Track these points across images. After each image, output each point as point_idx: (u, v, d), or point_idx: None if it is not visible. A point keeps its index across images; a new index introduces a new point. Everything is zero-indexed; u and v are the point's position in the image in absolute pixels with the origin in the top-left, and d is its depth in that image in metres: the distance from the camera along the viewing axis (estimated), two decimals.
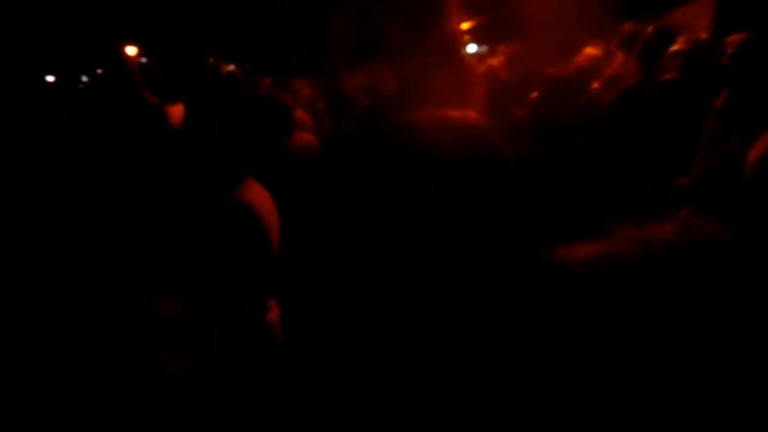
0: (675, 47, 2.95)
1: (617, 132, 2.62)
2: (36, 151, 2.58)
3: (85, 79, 4.68)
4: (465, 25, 5.12)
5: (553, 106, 2.56)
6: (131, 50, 4.44)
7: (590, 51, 3.87)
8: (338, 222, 2.16)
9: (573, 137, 2.51)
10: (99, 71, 4.74)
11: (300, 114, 3.16)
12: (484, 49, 7.04)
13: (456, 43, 3.06)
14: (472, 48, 6.60)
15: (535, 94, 3.15)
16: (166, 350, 1.73)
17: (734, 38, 2.41)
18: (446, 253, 0.98)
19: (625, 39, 3.50)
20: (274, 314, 1.92)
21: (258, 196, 1.85)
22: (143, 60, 3.79)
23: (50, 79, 4.99)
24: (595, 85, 3.16)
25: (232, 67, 3.58)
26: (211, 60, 5.32)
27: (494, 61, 4.43)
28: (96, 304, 1.78)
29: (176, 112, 3.37)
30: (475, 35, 6.36)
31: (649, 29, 3.12)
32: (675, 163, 2.42)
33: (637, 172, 2.35)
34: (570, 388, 0.95)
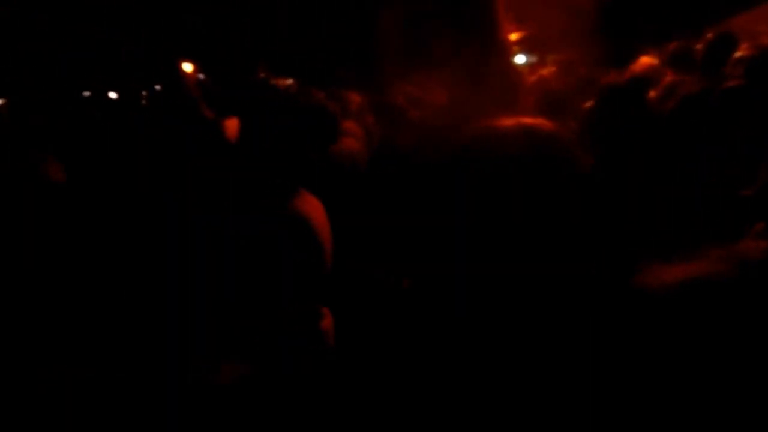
0: (738, 53, 2.85)
1: (677, 142, 2.55)
2: (101, 164, 2.68)
3: (145, 95, 4.86)
4: (514, 36, 5.09)
5: (609, 115, 2.50)
6: (188, 67, 4.59)
7: (646, 60, 3.79)
8: (394, 231, 2.17)
9: (630, 147, 2.45)
10: (158, 87, 4.92)
11: (349, 125, 3.19)
12: (534, 59, 6.98)
13: (506, 53, 3.04)
14: (521, 59, 6.56)
15: (589, 104, 3.10)
16: (223, 357, 1.77)
17: None
18: (526, 276, 0.93)
19: (675, 56, 3.42)
20: (327, 322, 1.94)
21: (311, 206, 1.88)
22: (200, 76, 3.92)
23: (113, 95, 5.18)
24: (653, 94, 3.09)
25: (290, 81, 3.65)
26: (263, 75, 5.45)
27: (546, 71, 4.38)
28: (148, 310, 1.82)
29: (232, 125, 3.45)
30: (525, 46, 6.31)
31: (710, 35, 3.03)
32: (739, 174, 2.33)
33: (702, 184, 2.27)
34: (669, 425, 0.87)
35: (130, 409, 1.66)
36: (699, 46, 3.53)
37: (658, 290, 0.87)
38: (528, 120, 1.07)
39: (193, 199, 2.10)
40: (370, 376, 2.23)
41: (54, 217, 1.89)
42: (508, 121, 1.07)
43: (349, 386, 2.09)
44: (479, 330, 1.04)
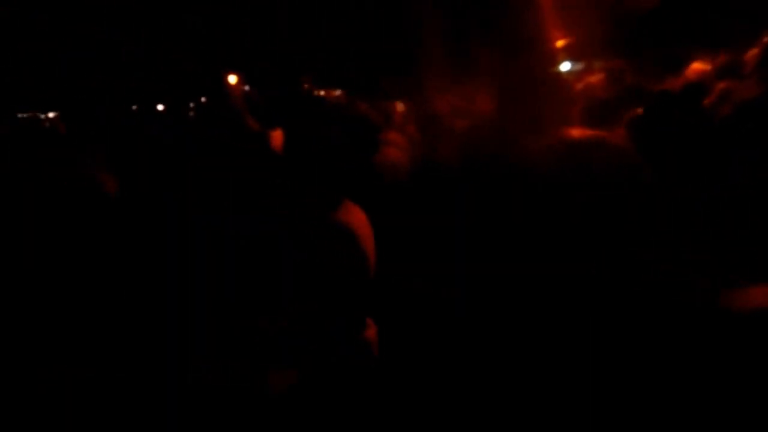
0: None
1: (732, 148, 2.45)
2: (151, 176, 2.74)
3: (191, 106, 4.98)
4: (560, 43, 5.02)
5: (662, 122, 2.43)
6: (233, 79, 4.69)
7: (698, 66, 3.68)
8: (437, 241, 2.15)
9: (684, 154, 2.37)
10: (203, 99, 5.03)
11: (393, 135, 3.19)
12: (580, 66, 6.86)
13: (553, 61, 2.98)
14: (565, 66, 6.45)
15: (638, 111, 3.03)
16: (270, 365, 1.78)
17: None
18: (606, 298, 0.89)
19: (727, 62, 3.31)
20: (371, 332, 1.93)
21: (355, 216, 1.88)
22: (246, 88, 3.99)
23: (160, 107, 5.32)
24: (707, 100, 2.99)
25: (338, 92, 3.68)
26: (306, 86, 5.51)
27: (594, 79, 4.30)
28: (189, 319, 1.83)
29: (277, 136, 3.49)
30: (571, 53, 6.22)
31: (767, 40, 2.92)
32: None
33: (759, 192, 2.17)
34: None
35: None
36: (753, 52, 3.41)
37: (745, 312, 0.82)
38: (595, 133, 1.04)
39: (237, 209, 2.12)
40: (412, 386, 2.22)
41: (108, 228, 1.93)
42: (576, 133, 1.05)
43: (392, 396, 2.08)
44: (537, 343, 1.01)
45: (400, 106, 3.88)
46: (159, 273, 2.00)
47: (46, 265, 1.88)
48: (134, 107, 5.29)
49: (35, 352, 1.71)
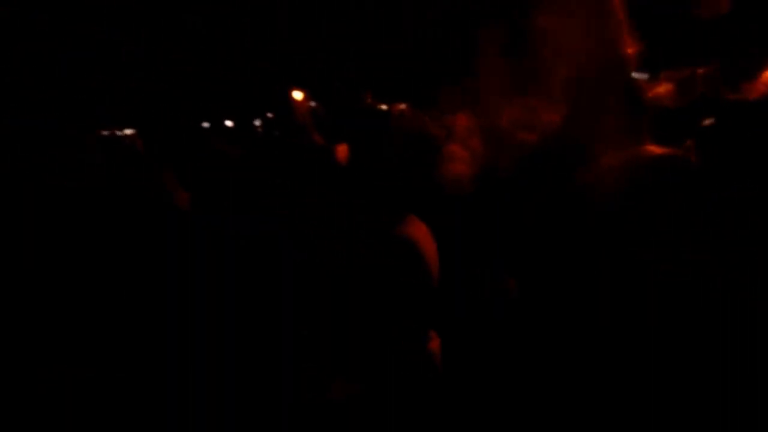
0: None
1: None
2: (220, 190, 2.84)
3: (258, 123, 5.13)
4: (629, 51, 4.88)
5: (737, 132, 2.34)
6: (298, 95, 4.80)
7: None
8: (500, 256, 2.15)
9: (760, 165, 2.28)
10: (270, 115, 5.18)
11: (455, 148, 3.19)
12: (644, 76, 6.64)
13: (628, 69, 2.89)
14: (633, 75, 6.26)
15: (708, 121, 2.92)
16: (332, 374, 1.82)
17: None
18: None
19: None
20: (434, 344, 1.95)
21: (418, 231, 1.91)
22: (312, 103, 4.08)
23: (228, 123, 5.50)
24: None
25: (403, 106, 3.72)
26: (370, 100, 5.57)
27: (662, 88, 4.17)
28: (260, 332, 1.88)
29: (341, 151, 3.56)
30: (638, 61, 6.03)
31: None
32: None
33: None
34: None
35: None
36: None
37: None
38: (671, 151, 1.03)
39: (303, 224, 2.18)
40: (474, 400, 2.21)
41: (184, 244, 2.00)
42: (655, 150, 1.04)
43: (453, 409, 2.09)
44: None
45: (462, 119, 3.88)
46: (231, 284, 2.08)
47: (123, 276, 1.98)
48: (204, 124, 5.50)
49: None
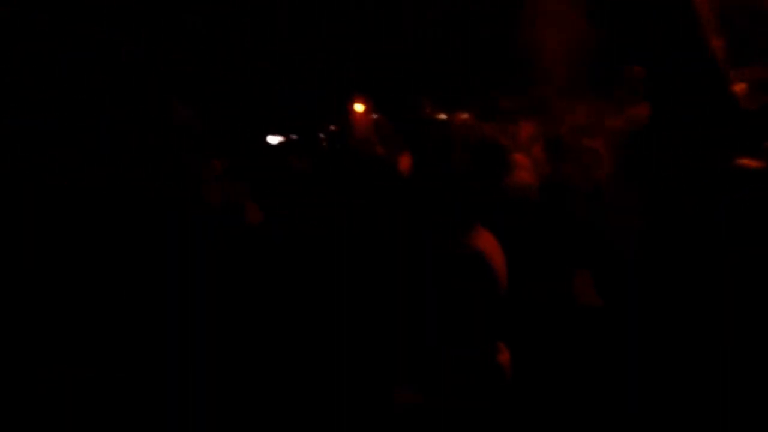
0: None
1: None
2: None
3: (322, 135, 5.23)
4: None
5: None
6: (359, 107, 4.87)
7: None
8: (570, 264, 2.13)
9: None
10: (332, 128, 5.27)
11: (519, 157, 3.18)
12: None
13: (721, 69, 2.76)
14: None
15: None
16: (397, 382, 1.84)
17: None
18: None
19: None
20: (503, 356, 1.94)
21: (486, 241, 1.91)
22: (374, 115, 4.15)
23: (294, 137, 5.62)
24: None
25: (465, 115, 3.73)
26: (428, 110, 5.59)
27: (738, 88, 4.01)
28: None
29: (404, 161, 3.59)
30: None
31: None
32: None
33: None
34: None
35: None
36: None
37: None
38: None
39: (371, 236, 2.22)
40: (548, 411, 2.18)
41: (252, 258, 2.04)
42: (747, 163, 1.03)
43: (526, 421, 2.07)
44: None
45: (525, 127, 3.84)
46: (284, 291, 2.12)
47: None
48: (270, 139, 5.63)
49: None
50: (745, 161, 1.99)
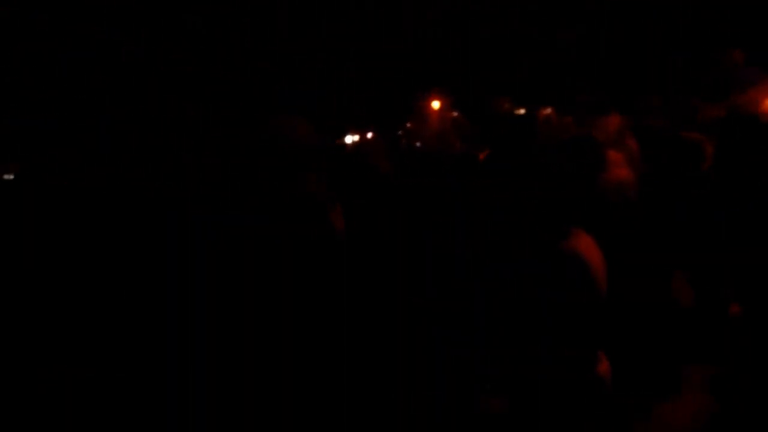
0: None
1: None
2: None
3: (400, 133, 5.19)
4: None
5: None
6: (436, 104, 4.80)
7: None
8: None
9: None
10: (408, 125, 5.22)
11: (611, 153, 3.00)
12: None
13: None
14: None
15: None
16: (482, 389, 1.76)
17: None
18: None
19: None
20: (603, 367, 1.81)
21: (585, 246, 1.79)
22: (454, 113, 4.06)
23: (369, 135, 5.62)
24: None
25: (548, 110, 3.59)
26: (507, 105, 5.45)
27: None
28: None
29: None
30: None
31: None
32: None
33: None
34: None
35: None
36: None
37: None
38: None
39: (455, 239, 2.13)
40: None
41: (336, 265, 1.99)
42: None
43: None
44: None
45: (615, 120, 3.65)
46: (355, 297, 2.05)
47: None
48: (348, 137, 5.65)
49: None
50: None
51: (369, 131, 5.35)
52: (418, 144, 4.24)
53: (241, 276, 1.53)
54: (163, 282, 1.84)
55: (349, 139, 5.57)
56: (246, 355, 1.53)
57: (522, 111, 5.27)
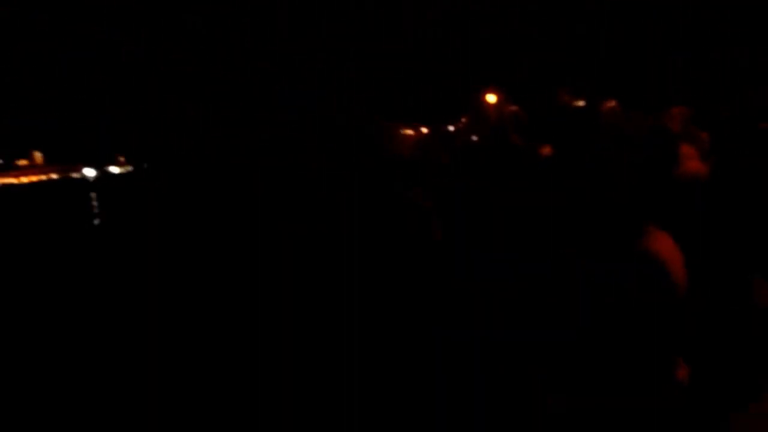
0: None
1: None
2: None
3: (451, 128, 5.10)
4: None
5: None
6: (492, 98, 4.69)
7: None
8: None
9: None
10: (464, 120, 5.13)
11: (682, 145, 2.86)
12: None
13: None
14: None
15: None
16: (549, 389, 1.70)
17: None
18: None
19: None
20: (682, 372, 1.72)
21: (663, 245, 1.69)
22: (513, 108, 3.94)
23: (424, 129, 5.55)
24: None
25: (612, 103, 3.44)
26: (566, 98, 5.28)
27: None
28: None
29: (545, 152, 3.39)
30: None
31: None
32: None
33: None
34: None
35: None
36: None
37: None
38: None
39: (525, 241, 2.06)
40: None
41: (427, 274, 1.96)
42: None
43: None
44: None
45: (681, 110, 3.48)
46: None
47: None
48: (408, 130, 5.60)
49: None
50: None
51: (422, 127, 5.29)
52: (474, 139, 4.13)
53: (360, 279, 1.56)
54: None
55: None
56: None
57: (582, 103, 5.10)
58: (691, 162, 2.44)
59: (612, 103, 3.44)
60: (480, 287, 2.00)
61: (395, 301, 1.89)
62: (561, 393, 1.70)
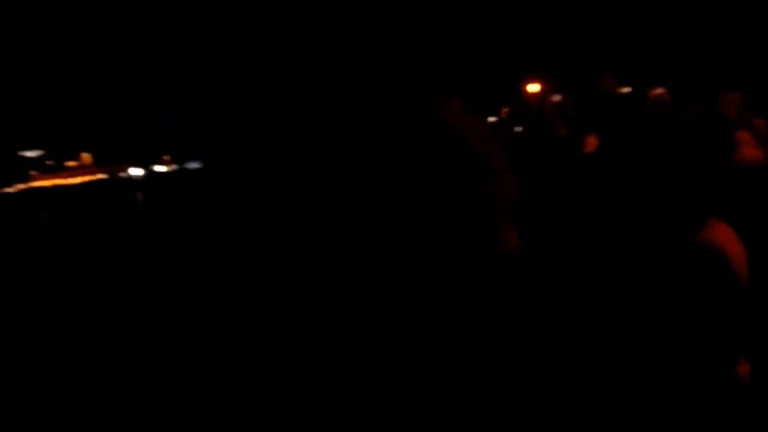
0: None
1: None
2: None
3: (493, 119, 5.07)
4: None
5: None
6: (534, 87, 4.63)
7: None
8: None
9: None
10: (506, 110, 5.08)
11: (737, 131, 2.75)
12: None
13: None
14: None
15: None
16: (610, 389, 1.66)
17: None
18: None
19: None
20: (743, 368, 1.66)
21: (725, 236, 1.63)
22: (557, 98, 3.87)
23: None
24: None
25: (661, 90, 3.34)
26: (609, 85, 5.16)
27: None
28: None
29: (590, 142, 3.33)
30: None
31: None
32: None
33: None
34: None
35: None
36: None
37: None
38: None
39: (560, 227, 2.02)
40: None
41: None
42: None
43: None
44: None
45: (734, 97, 3.35)
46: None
47: None
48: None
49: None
50: None
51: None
52: (519, 129, 4.09)
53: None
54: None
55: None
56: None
57: (628, 90, 4.98)
58: (749, 148, 2.34)
59: (660, 90, 3.33)
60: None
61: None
62: (611, 393, 1.66)
